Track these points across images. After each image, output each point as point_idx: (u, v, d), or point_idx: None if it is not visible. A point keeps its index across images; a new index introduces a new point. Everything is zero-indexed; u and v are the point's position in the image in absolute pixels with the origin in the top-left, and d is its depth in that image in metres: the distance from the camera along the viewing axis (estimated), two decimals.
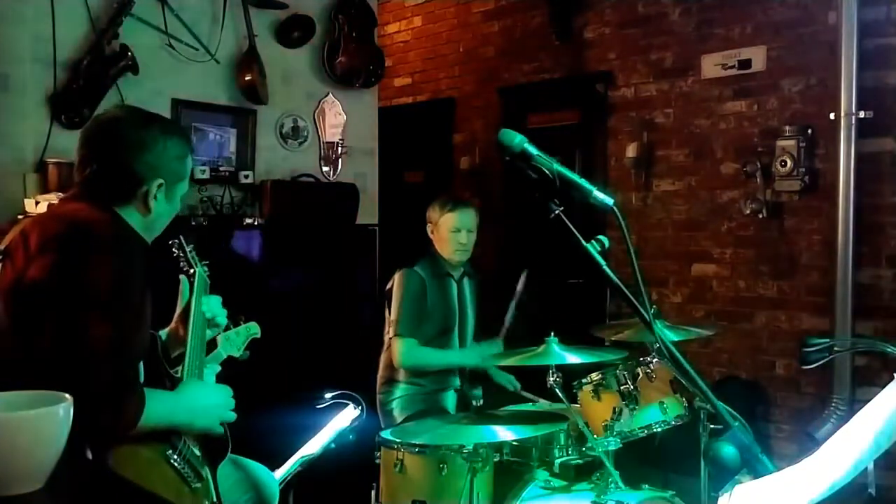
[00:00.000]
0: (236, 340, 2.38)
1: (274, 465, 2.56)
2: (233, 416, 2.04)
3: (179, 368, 2.07)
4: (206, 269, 2.36)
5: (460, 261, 3.63)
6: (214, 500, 1.98)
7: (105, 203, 1.91)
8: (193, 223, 3.99)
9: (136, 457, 1.77)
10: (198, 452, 1.98)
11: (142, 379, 1.86)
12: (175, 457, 1.87)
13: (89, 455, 1.67)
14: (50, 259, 1.72)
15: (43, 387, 1.51)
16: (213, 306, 2.29)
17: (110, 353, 1.66)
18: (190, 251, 2.34)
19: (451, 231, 3.54)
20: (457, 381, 3.65)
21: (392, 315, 3.53)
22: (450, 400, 3.62)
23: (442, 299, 3.58)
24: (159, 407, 1.82)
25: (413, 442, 2.79)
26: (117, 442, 1.72)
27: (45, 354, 1.65)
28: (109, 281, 1.71)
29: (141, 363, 1.88)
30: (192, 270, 2.30)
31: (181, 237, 2.38)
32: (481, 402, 3.06)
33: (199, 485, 1.92)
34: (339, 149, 4.90)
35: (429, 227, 3.62)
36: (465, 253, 3.60)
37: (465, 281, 3.71)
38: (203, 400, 1.99)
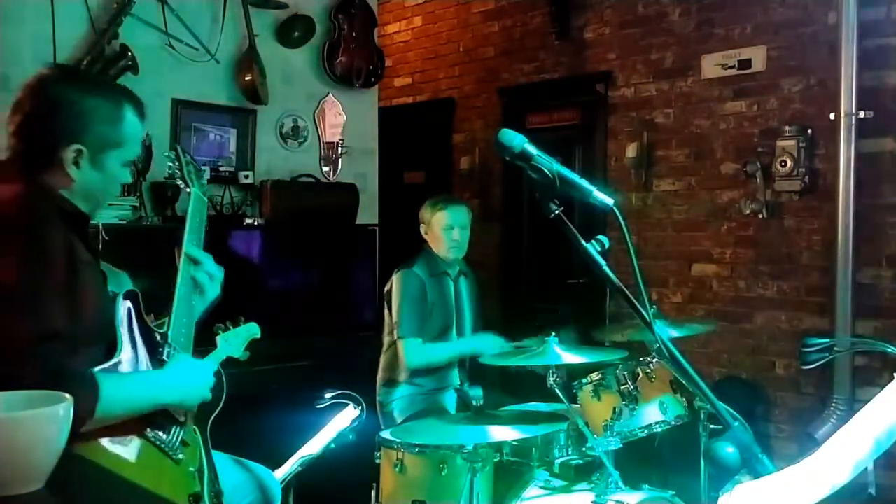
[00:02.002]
0: (235, 341, 2.33)
1: (274, 465, 2.56)
2: (209, 394, 1.92)
3: (166, 320, 1.95)
4: (204, 187, 2.18)
5: (456, 258, 3.63)
6: (202, 464, 1.89)
7: (26, 171, 1.75)
8: None
9: (107, 436, 1.65)
10: (182, 418, 1.88)
11: (119, 353, 1.74)
12: (155, 432, 1.77)
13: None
14: None
15: None
16: (204, 260, 2.06)
17: (37, 348, 1.53)
18: (187, 164, 2.15)
19: (444, 229, 3.55)
20: (456, 381, 3.65)
21: (394, 317, 3.53)
22: (449, 400, 3.62)
23: (440, 298, 3.59)
24: (138, 390, 1.73)
25: (413, 442, 2.79)
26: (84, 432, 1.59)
27: None
28: (19, 269, 1.57)
29: (122, 335, 1.76)
30: (188, 189, 2.13)
31: (180, 146, 2.21)
32: (481, 402, 3.07)
33: (182, 455, 1.83)
34: (339, 149, 4.90)
35: (422, 228, 3.62)
36: (460, 250, 3.61)
37: (462, 279, 3.72)
38: (187, 379, 1.87)
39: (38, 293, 1.59)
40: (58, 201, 1.77)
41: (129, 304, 1.84)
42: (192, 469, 1.86)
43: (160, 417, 1.82)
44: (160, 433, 1.80)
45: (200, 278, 2.04)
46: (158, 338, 1.90)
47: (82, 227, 1.83)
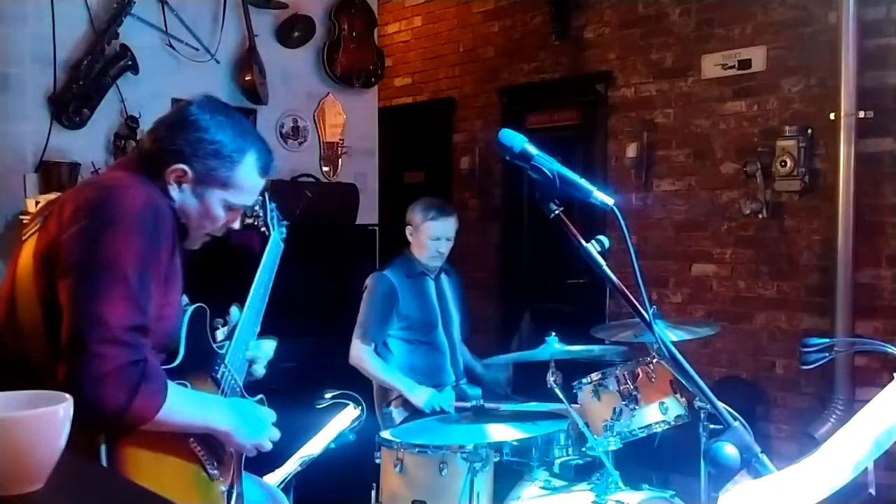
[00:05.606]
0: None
1: (274, 465, 2.56)
2: (268, 444, 1.96)
3: (227, 344, 2.00)
4: (283, 232, 2.27)
5: (435, 266, 3.65)
6: (232, 485, 1.91)
7: (150, 171, 1.82)
8: None
9: (151, 435, 1.69)
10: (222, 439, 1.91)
11: (177, 361, 1.79)
12: (196, 443, 1.80)
13: (102, 440, 1.60)
14: (77, 227, 1.65)
15: (58, 363, 1.54)
16: (262, 348, 2.16)
17: (128, 335, 1.59)
18: (270, 211, 2.24)
19: (432, 239, 3.56)
20: (451, 378, 3.65)
21: (359, 317, 3.55)
22: (447, 397, 3.62)
23: (419, 298, 3.61)
24: (198, 405, 1.77)
25: (413, 442, 2.80)
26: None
27: (65, 330, 1.58)
28: (133, 257, 1.63)
29: (183, 343, 1.81)
30: (268, 234, 2.23)
31: (266, 195, 2.27)
32: (481, 402, 3.07)
33: (216, 471, 1.86)
34: (339, 149, 4.90)
35: (408, 230, 3.63)
36: (442, 260, 3.65)
37: (443, 278, 3.74)
38: (245, 414, 1.90)
39: (143, 284, 1.65)
40: (173, 206, 1.83)
41: (196, 317, 1.87)
42: (223, 489, 1.88)
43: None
44: (200, 445, 1.82)
45: (254, 369, 2.14)
46: (217, 357, 1.94)
47: (182, 238, 1.88)
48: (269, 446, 1.97)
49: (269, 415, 2.00)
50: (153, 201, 1.74)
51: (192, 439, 1.80)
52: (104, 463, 1.60)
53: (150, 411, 1.62)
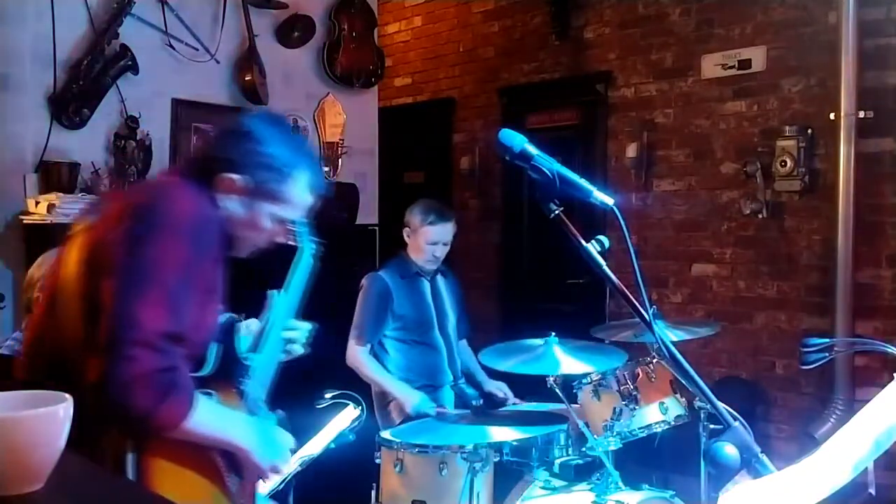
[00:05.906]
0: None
1: None
2: (281, 468, 1.94)
3: (252, 357, 1.98)
4: (314, 247, 2.22)
5: (431, 269, 3.66)
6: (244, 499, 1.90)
7: (202, 176, 1.81)
8: None
9: (177, 445, 1.68)
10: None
11: (206, 370, 1.78)
12: (219, 457, 1.79)
13: (130, 447, 1.60)
14: (123, 229, 1.64)
15: (95, 363, 1.53)
16: (299, 327, 2.14)
17: (161, 341, 1.57)
18: (301, 225, 2.17)
19: (429, 243, 3.56)
20: (449, 378, 3.65)
21: (354, 318, 3.56)
22: (447, 398, 3.62)
23: (414, 298, 3.61)
24: (223, 421, 1.76)
25: (413, 442, 2.80)
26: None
27: (101, 330, 1.57)
28: (176, 265, 1.62)
29: (214, 353, 1.80)
30: (299, 246, 2.18)
31: None
32: (481, 402, 3.07)
33: (235, 488, 1.84)
34: (339, 149, 4.90)
35: (405, 231, 3.63)
36: (437, 263, 3.65)
37: (439, 278, 3.74)
38: (266, 436, 1.88)
39: (183, 292, 1.63)
40: (217, 212, 1.80)
41: (226, 328, 1.87)
42: (242, 501, 1.87)
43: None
44: (222, 460, 1.81)
45: (293, 348, 2.12)
46: (243, 369, 1.93)
47: (229, 247, 1.87)
48: (280, 469, 1.96)
49: (288, 440, 1.99)
50: (201, 209, 1.73)
51: (215, 453, 1.79)
52: (130, 470, 1.59)
53: (176, 419, 1.61)
